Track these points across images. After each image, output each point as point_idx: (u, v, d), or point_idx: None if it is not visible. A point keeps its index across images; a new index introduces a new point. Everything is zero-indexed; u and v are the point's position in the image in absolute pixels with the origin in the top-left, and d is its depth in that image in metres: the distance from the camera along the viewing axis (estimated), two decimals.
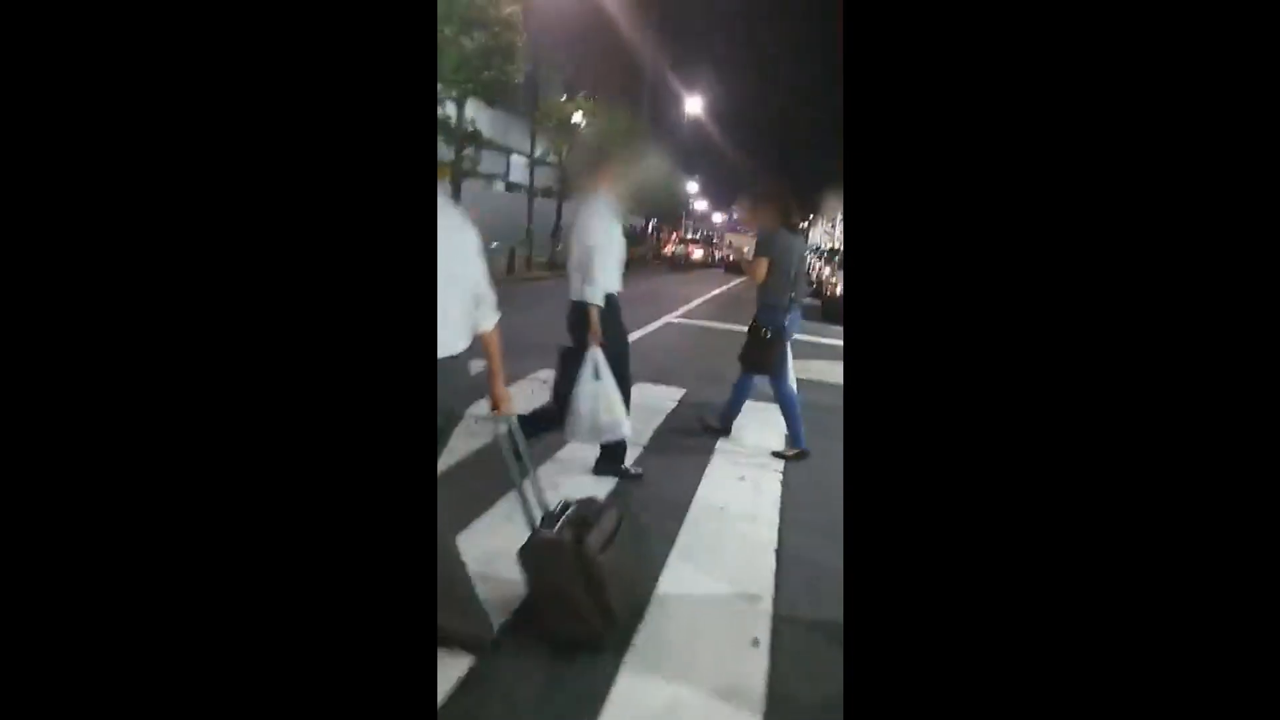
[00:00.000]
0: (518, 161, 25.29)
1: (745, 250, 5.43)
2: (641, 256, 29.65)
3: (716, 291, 18.74)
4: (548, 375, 5.77)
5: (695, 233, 44.28)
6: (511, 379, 5.52)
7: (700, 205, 47.78)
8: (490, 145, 19.60)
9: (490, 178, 24.26)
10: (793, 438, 4.45)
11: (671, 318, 11.19)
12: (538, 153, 21.08)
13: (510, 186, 26.38)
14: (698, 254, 34.01)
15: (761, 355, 4.34)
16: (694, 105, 35.84)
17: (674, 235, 38.49)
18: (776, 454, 4.44)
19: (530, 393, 5.48)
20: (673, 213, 39.90)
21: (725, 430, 4.74)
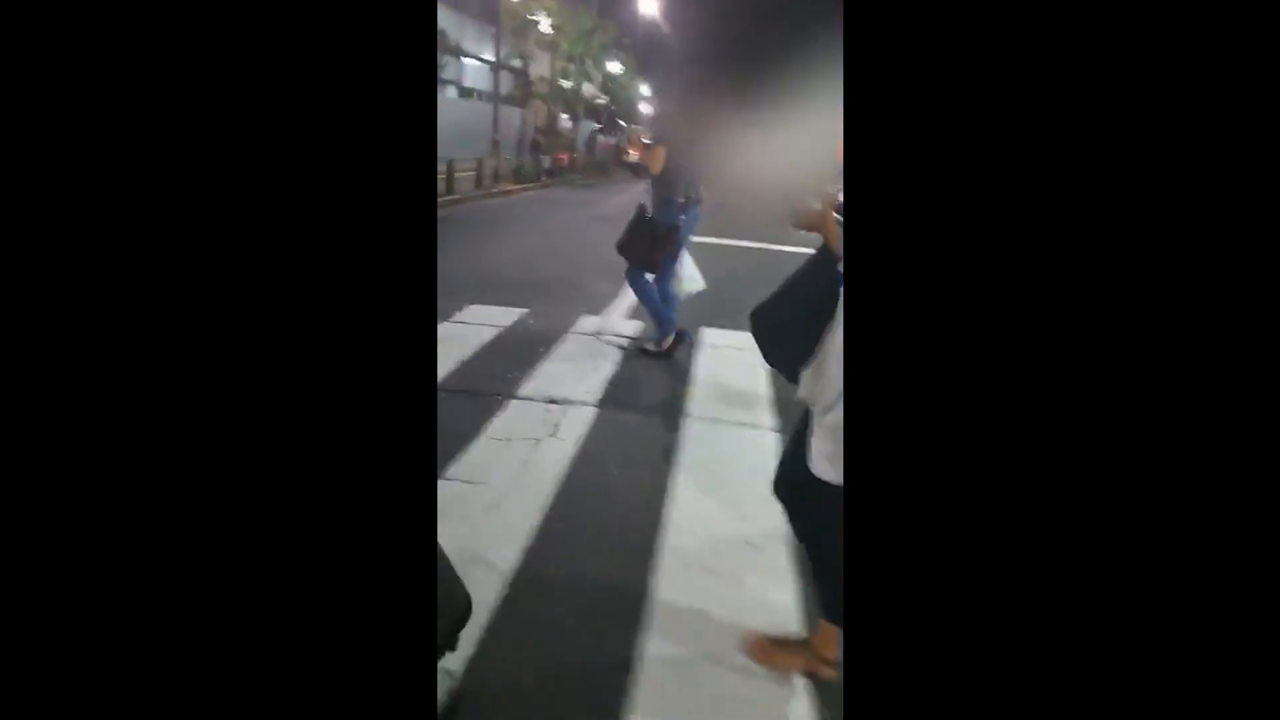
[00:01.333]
0: (469, 65, 23.79)
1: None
2: (603, 163, 28.22)
3: None
4: (595, 325, 4.93)
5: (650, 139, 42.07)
6: (555, 334, 4.64)
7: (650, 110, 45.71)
8: (446, 49, 18.24)
9: (444, 83, 22.67)
10: (658, 333, 4.42)
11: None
12: (502, 56, 19.52)
13: (463, 92, 24.85)
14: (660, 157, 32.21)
15: (650, 251, 4.16)
16: (649, 4, 34.14)
17: (630, 140, 36.38)
18: (644, 350, 4.42)
19: (581, 359, 4.54)
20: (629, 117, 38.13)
21: (660, 349, 4.44)
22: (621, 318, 5.28)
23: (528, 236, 9.16)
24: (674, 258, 4.29)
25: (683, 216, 4.21)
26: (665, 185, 4.14)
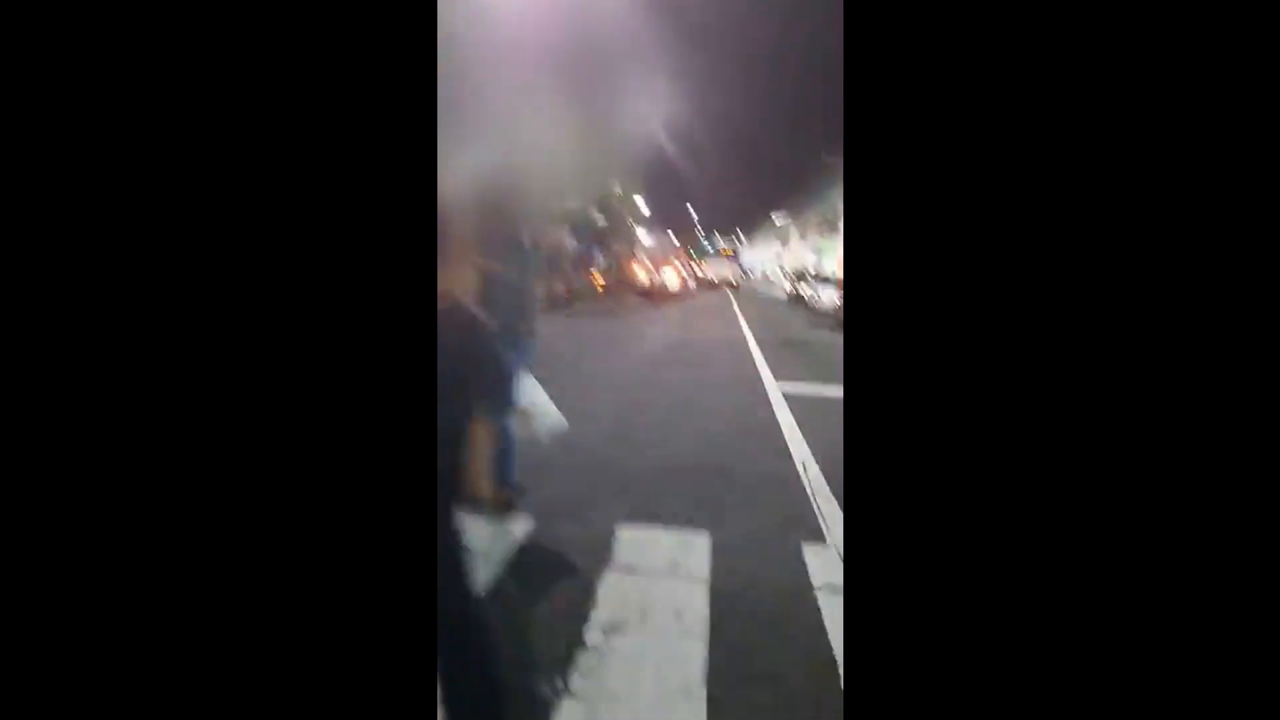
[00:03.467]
0: None
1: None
2: (605, 287, 26.35)
3: (745, 331, 15.79)
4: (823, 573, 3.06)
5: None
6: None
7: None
8: None
9: None
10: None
11: (783, 384, 7.84)
12: None
13: None
14: (673, 280, 28.38)
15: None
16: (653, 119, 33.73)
17: (632, 258, 33.93)
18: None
19: None
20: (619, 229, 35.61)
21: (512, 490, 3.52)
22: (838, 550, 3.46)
23: (596, 393, 7.30)
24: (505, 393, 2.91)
25: (514, 352, 3.22)
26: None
